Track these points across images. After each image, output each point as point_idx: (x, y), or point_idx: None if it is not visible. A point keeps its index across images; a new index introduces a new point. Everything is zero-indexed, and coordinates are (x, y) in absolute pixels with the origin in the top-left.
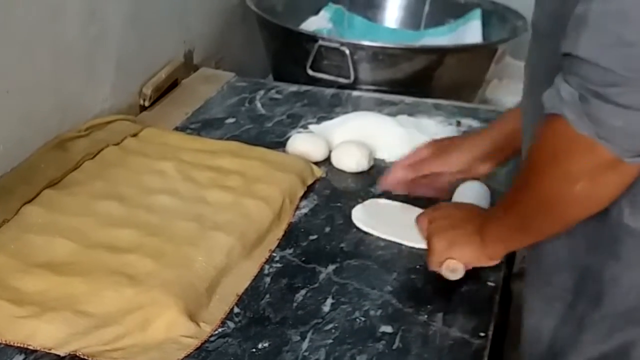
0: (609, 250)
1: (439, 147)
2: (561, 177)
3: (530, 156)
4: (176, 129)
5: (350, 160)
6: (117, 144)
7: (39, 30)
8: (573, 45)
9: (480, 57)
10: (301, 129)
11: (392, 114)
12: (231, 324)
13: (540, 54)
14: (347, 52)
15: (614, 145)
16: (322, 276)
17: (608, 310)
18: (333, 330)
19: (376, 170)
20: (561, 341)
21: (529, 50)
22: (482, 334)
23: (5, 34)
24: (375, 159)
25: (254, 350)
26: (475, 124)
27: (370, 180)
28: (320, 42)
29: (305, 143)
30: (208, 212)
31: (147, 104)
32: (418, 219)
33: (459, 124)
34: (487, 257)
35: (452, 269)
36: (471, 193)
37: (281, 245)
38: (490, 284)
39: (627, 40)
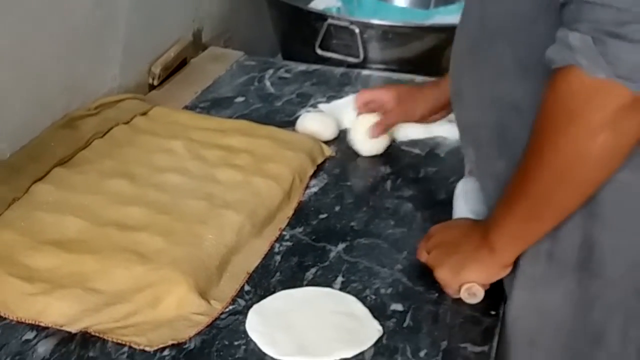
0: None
1: (399, 96)
2: (581, 134)
3: (539, 122)
4: (185, 107)
5: (370, 147)
6: (127, 122)
7: (48, 9)
8: None
9: None
10: (310, 108)
11: None
12: (242, 302)
13: (485, 8)
14: (357, 31)
15: (634, 82)
16: (332, 254)
17: (559, 266)
18: None
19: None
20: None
21: (465, 5)
22: (492, 312)
23: (14, 13)
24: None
25: None
26: None
27: (381, 161)
28: (330, 21)
29: (314, 122)
30: (218, 190)
31: (156, 82)
32: (418, 254)
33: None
34: (500, 266)
35: (471, 293)
36: (474, 188)
37: (291, 224)
38: None
39: None
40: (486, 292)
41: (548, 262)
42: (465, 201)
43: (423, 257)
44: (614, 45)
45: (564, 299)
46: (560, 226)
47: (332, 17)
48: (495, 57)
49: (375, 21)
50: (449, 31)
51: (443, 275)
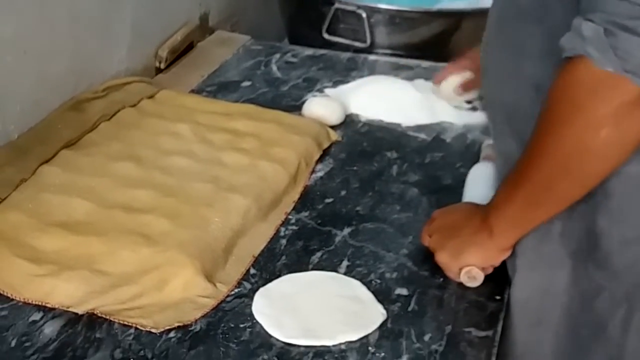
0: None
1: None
2: (584, 125)
3: (545, 110)
4: (192, 91)
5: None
6: (134, 105)
7: None
8: None
9: None
10: (317, 93)
11: (409, 78)
12: (247, 285)
13: None
14: (364, 15)
15: None
16: (337, 239)
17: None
18: None
19: (390, 134)
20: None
21: None
22: (497, 297)
23: None
24: (390, 123)
25: None
26: None
27: (387, 146)
28: (337, 5)
29: (321, 107)
30: (224, 174)
31: (162, 66)
32: (421, 238)
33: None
34: (499, 250)
35: (471, 277)
36: (484, 174)
37: (297, 208)
38: None
39: None
40: (491, 276)
41: (556, 244)
42: (476, 186)
43: (426, 240)
44: (625, 39)
45: (571, 283)
46: (568, 212)
47: (339, 2)
48: (522, 35)
49: (383, 6)
50: (456, 16)
51: (443, 258)
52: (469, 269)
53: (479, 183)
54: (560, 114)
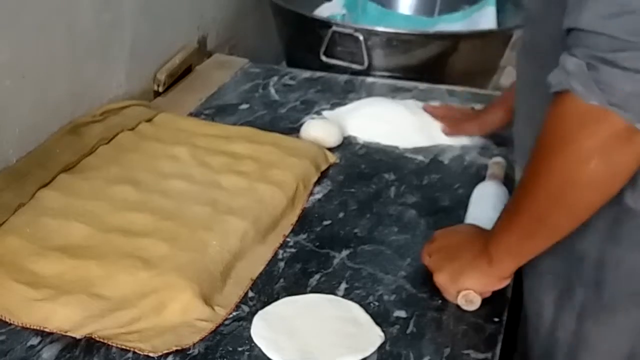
0: (608, 234)
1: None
2: (572, 158)
3: (538, 143)
4: (190, 114)
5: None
6: (132, 129)
7: (54, 15)
8: (576, 19)
9: (494, 43)
10: (315, 115)
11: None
12: (246, 308)
13: (533, 35)
14: (361, 38)
15: (626, 111)
16: (336, 261)
17: (610, 295)
18: None
19: (388, 156)
20: (561, 331)
21: (522, 33)
22: (496, 319)
23: (20, 19)
24: (387, 145)
25: None
26: None
27: (385, 168)
28: (334, 28)
29: (318, 129)
30: (222, 197)
31: (161, 89)
32: (421, 257)
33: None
34: (497, 278)
35: (468, 300)
36: (489, 193)
37: (295, 231)
38: None
39: (629, 7)
40: (489, 298)
41: (599, 290)
42: (479, 206)
43: (425, 260)
44: (606, 72)
45: (617, 328)
46: (609, 254)
47: (337, 25)
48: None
49: (380, 28)
50: (453, 38)
51: (442, 280)
52: (467, 292)
53: (483, 202)
54: (550, 147)
